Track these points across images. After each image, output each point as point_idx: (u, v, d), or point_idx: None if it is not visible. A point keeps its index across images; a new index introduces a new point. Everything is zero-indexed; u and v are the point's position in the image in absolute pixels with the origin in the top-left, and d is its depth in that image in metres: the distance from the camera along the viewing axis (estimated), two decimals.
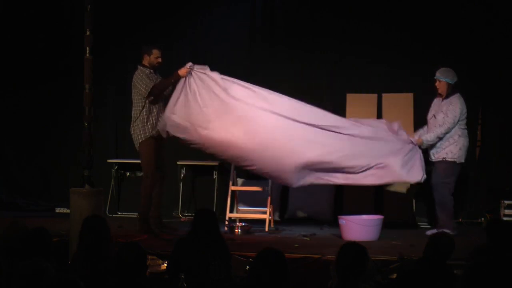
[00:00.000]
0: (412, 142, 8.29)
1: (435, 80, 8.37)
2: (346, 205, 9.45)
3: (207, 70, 8.37)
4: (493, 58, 9.30)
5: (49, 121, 10.64)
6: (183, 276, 5.00)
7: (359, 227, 8.02)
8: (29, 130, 10.71)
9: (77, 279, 3.90)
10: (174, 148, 9.16)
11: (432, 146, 8.35)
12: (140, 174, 9.05)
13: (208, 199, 9.92)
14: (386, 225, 8.28)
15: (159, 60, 8.38)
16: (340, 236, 8.16)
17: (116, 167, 10.24)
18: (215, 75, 8.35)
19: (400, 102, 9.62)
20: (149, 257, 6.66)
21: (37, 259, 4.31)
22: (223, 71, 10.11)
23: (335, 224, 8.46)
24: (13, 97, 10.76)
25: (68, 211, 7.67)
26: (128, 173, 10.22)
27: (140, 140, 8.29)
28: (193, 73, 8.29)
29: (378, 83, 9.76)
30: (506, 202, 9.00)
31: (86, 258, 5.30)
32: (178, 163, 9.90)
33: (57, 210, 10.19)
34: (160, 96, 8.35)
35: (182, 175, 10.03)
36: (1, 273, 4.28)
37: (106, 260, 5.19)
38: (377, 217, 8.24)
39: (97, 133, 8.02)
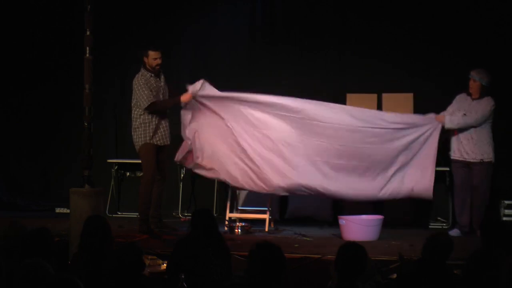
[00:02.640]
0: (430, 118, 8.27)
1: (469, 78, 8.36)
2: (346, 205, 9.43)
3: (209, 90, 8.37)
4: (493, 58, 9.29)
5: (49, 121, 10.64)
6: (183, 276, 5.01)
7: (359, 227, 8.02)
8: (29, 130, 10.71)
9: (77, 279, 3.90)
10: (174, 148, 9.16)
11: (465, 146, 8.33)
12: (140, 174, 9.05)
13: (208, 199, 9.92)
14: (386, 225, 8.28)
15: (158, 61, 8.19)
16: (340, 236, 8.16)
17: (116, 167, 10.23)
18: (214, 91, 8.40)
19: (400, 102, 9.59)
20: (149, 257, 6.67)
21: (37, 259, 4.32)
22: (223, 71, 10.18)
23: (335, 224, 8.46)
24: (13, 97, 10.77)
25: (68, 211, 7.68)
26: (128, 173, 10.21)
27: (140, 144, 8.28)
28: (197, 99, 8.32)
29: (378, 83, 9.74)
30: (506, 202, 9.00)
31: (86, 258, 5.30)
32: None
33: (57, 210, 10.19)
34: (159, 111, 8.32)
35: (182, 175, 10.02)
36: (1, 273, 4.28)
37: (106, 260, 5.19)
38: (377, 217, 8.24)
39: (97, 133, 8.01)
